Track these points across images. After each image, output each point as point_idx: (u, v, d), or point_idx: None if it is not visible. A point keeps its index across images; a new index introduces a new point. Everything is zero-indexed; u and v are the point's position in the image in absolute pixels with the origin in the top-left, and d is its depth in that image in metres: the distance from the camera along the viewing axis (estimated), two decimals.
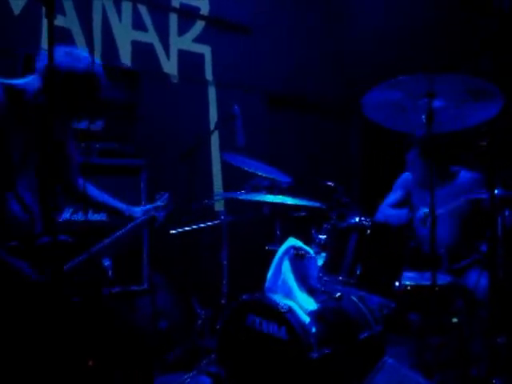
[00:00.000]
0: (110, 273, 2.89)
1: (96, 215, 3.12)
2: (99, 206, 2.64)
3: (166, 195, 2.72)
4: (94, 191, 2.56)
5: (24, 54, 3.09)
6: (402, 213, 3.11)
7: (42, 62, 2.16)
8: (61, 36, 3.69)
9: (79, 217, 3.08)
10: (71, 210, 3.07)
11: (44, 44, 3.65)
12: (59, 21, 3.73)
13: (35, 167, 2.16)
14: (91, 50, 3.74)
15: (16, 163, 2.02)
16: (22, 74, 2.99)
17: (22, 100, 2.12)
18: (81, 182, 2.51)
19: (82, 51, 2.22)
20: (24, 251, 2.02)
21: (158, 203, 2.67)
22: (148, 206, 2.67)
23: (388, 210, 3.36)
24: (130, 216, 2.60)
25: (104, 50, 3.94)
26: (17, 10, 3.58)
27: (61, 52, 2.07)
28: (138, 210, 2.63)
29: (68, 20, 3.80)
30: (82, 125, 3.20)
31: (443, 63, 3.34)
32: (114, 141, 3.30)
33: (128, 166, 3.30)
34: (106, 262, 2.93)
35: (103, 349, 2.25)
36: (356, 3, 5.06)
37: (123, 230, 2.51)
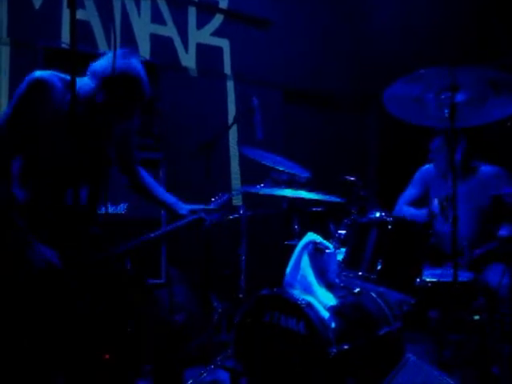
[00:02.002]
0: (128, 266, 2.91)
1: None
2: (151, 197, 2.52)
3: (226, 197, 2.57)
4: (149, 180, 2.51)
5: (44, 47, 3.12)
6: (422, 214, 3.09)
7: (100, 63, 2.09)
8: (81, 29, 3.70)
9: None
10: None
11: (64, 37, 3.68)
12: (79, 14, 3.72)
13: (89, 167, 2.16)
14: (111, 44, 3.80)
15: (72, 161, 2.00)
16: (43, 67, 3.03)
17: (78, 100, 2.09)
18: (139, 170, 2.49)
19: (132, 54, 2.17)
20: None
21: (211, 206, 2.53)
22: (199, 206, 2.49)
23: (406, 209, 3.32)
24: (175, 212, 2.45)
25: (123, 44, 3.93)
26: (37, 4, 3.61)
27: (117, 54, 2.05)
28: (184, 208, 2.47)
29: (88, 13, 3.81)
30: None
31: (463, 56, 3.29)
32: None
33: (147, 159, 3.28)
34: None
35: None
36: None
37: (166, 229, 2.44)
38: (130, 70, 2.07)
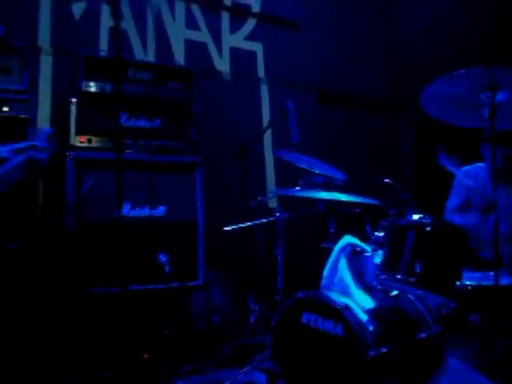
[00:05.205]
0: (167, 268, 2.96)
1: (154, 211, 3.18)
2: None
3: (48, 131, 2.35)
4: None
5: (84, 55, 3.21)
6: (471, 220, 3.05)
7: None
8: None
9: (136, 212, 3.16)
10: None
11: (102, 45, 3.77)
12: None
13: None
14: (147, 51, 3.88)
15: None
16: (83, 74, 3.13)
17: None
18: None
19: None
20: None
21: (35, 142, 2.27)
22: (18, 145, 2.18)
23: (455, 217, 3.27)
24: None
25: (158, 50, 4.02)
26: (77, 15, 3.73)
27: None
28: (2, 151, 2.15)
29: (124, 21, 3.90)
30: (140, 123, 3.27)
31: (501, 56, 3.23)
32: (170, 138, 3.35)
33: (184, 162, 3.36)
34: (163, 258, 3.00)
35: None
36: None
37: None
38: None
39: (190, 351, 3.22)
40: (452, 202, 3.38)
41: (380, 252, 2.58)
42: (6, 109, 2.82)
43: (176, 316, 3.20)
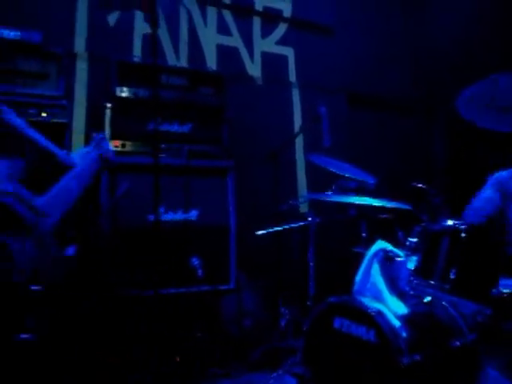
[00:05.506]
0: (199, 272, 2.98)
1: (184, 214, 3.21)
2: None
3: (101, 136, 2.44)
4: None
5: (118, 61, 3.27)
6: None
7: None
8: (150, 43, 3.85)
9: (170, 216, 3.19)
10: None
11: (136, 51, 3.84)
12: (148, 28, 3.89)
13: None
14: (179, 56, 3.93)
15: None
16: (117, 79, 3.18)
17: None
18: None
19: None
20: None
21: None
22: (85, 149, 2.33)
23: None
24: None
25: (190, 55, 4.07)
26: (112, 22, 3.80)
27: None
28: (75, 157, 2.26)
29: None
30: (173, 127, 3.31)
31: None
32: (202, 143, 3.39)
33: (216, 167, 3.38)
34: (196, 261, 3.03)
35: None
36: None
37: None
38: None
39: (221, 354, 3.24)
40: (476, 204, 3.30)
41: (413, 257, 2.55)
42: (44, 114, 2.89)
43: (208, 319, 3.23)
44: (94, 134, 2.44)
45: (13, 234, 1.79)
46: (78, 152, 2.36)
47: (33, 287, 1.85)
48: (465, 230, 2.29)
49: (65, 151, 2.28)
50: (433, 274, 2.32)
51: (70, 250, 2.10)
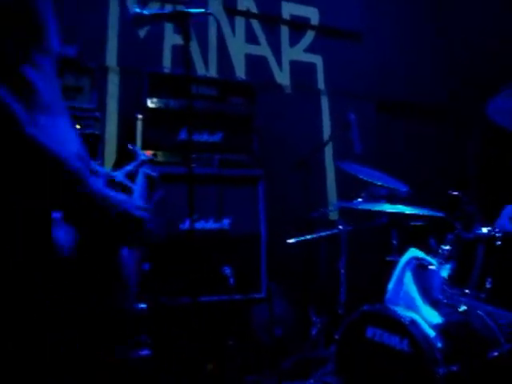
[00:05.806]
0: (231, 280, 3.00)
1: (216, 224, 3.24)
2: None
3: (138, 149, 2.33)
4: None
5: (149, 73, 3.33)
6: None
7: None
8: (179, 54, 3.92)
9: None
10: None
11: (166, 63, 3.90)
12: (177, 39, 3.95)
13: None
14: (208, 67, 3.97)
15: None
16: (149, 91, 3.23)
17: None
18: None
19: None
20: None
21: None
22: (128, 167, 2.21)
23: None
24: None
25: (219, 65, 4.11)
26: (142, 34, 3.87)
27: None
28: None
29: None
30: (203, 137, 3.35)
31: None
32: (232, 152, 3.41)
33: (246, 176, 3.39)
34: (227, 270, 3.05)
35: None
36: (469, 2, 4.83)
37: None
38: None
39: (252, 363, 3.25)
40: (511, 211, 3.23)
41: (446, 266, 2.51)
42: (78, 126, 2.96)
43: (239, 328, 3.24)
44: (131, 146, 2.39)
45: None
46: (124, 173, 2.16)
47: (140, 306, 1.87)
48: (500, 238, 2.25)
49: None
50: (468, 282, 2.28)
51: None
